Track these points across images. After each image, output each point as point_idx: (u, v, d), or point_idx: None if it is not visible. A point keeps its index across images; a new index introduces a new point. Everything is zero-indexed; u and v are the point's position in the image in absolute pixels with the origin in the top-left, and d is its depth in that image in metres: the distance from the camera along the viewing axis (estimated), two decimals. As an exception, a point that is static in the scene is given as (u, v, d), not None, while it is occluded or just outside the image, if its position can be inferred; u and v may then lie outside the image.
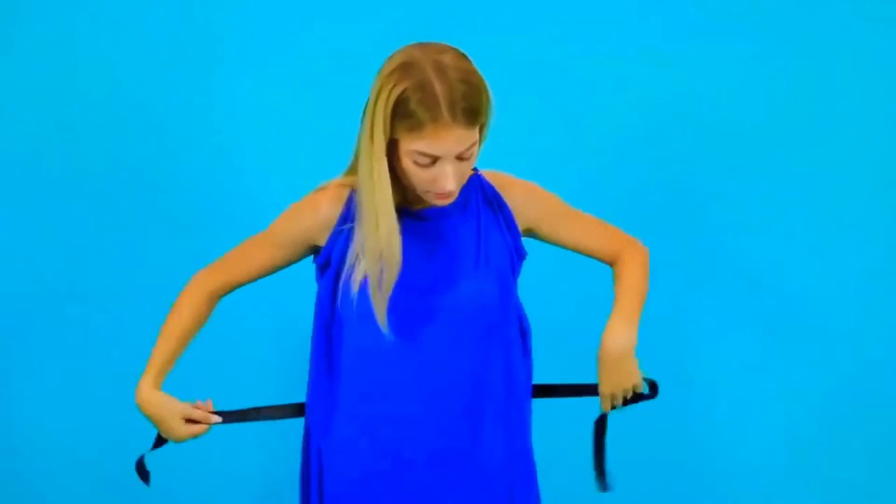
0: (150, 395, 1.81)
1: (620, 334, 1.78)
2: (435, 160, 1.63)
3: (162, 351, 1.84)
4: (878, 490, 2.61)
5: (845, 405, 2.59)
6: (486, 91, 1.64)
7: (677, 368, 2.59)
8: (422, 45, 1.65)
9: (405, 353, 1.75)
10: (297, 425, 1.97)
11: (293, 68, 2.62)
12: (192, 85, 2.65)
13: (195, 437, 1.84)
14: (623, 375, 1.79)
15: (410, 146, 1.62)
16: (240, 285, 1.89)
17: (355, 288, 1.73)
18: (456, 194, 1.69)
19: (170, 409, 1.81)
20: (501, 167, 1.87)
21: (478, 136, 1.65)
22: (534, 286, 2.14)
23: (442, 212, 1.77)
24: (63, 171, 2.70)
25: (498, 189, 1.80)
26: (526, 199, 1.83)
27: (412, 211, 1.77)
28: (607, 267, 1.91)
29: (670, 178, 2.59)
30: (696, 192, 2.58)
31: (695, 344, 2.62)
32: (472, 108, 1.60)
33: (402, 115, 1.61)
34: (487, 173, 1.83)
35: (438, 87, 1.58)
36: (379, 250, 1.68)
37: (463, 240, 1.78)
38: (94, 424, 2.74)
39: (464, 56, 1.65)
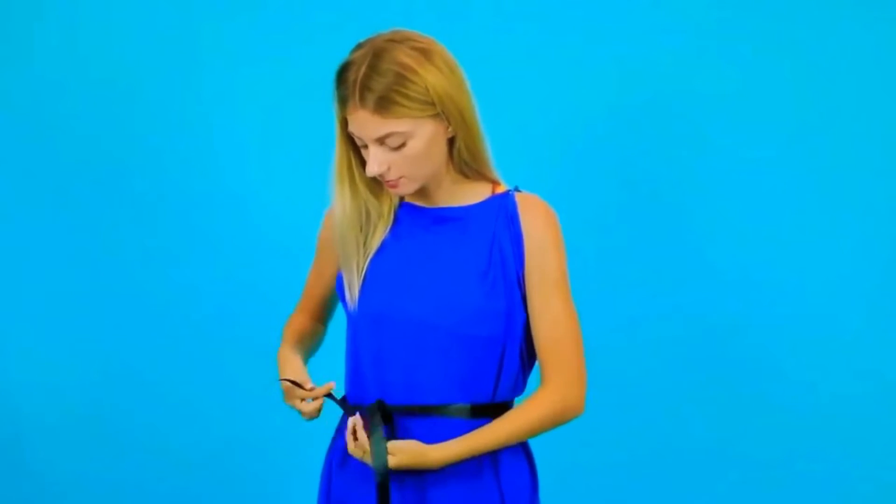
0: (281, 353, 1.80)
1: (439, 458, 1.68)
2: (365, 143, 1.66)
3: (283, 344, 1.85)
4: None
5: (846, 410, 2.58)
6: (416, 86, 1.63)
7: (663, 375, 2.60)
8: (397, 32, 1.69)
9: (385, 346, 1.74)
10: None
11: (282, 70, 2.65)
12: (181, 86, 2.70)
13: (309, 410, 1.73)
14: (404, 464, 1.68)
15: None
16: (326, 306, 1.93)
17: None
18: (403, 186, 1.70)
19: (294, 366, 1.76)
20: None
21: (403, 127, 1.64)
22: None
23: (450, 215, 1.76)
24: (50, 171, 2.75)
25: (518, 207, 1.75)
26: (537, 229, 1.73)
27: (420, 207, 1.78)
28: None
29: (660, 180, 2.58)
30: (684, 194, 2.58)
31: (687, 347, 2.61)
32: (379, 96, 1.61)
33: (336, 86, 1.68)
34: (520, 194, 1.78)
35: (362, 69, 1.63)
36: (337, 223, 1.76)
37: (472, 249, 1.74)
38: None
39: (420, 50, 1.65)
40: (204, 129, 2.71)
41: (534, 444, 1.84)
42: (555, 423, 1.74)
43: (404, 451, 1.67)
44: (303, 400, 1.72)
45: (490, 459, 1.74)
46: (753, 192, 2.55)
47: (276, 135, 2.68)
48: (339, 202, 1.75)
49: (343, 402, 1.79)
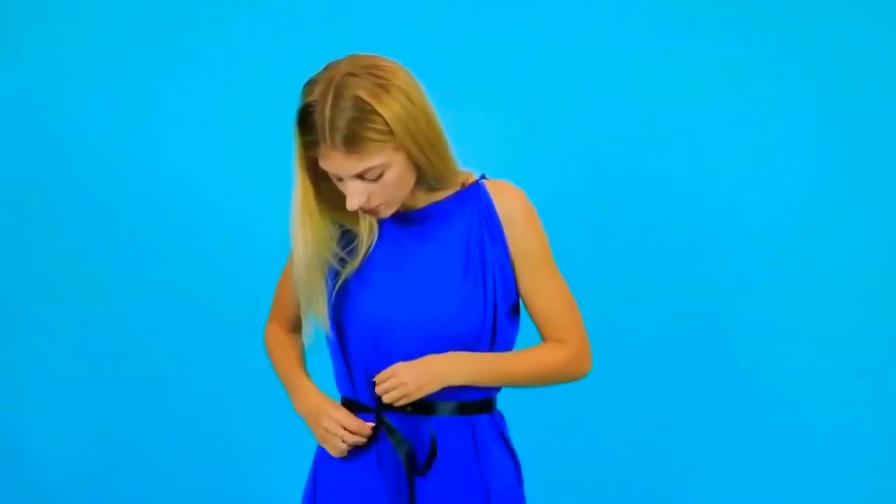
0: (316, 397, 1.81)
1: (461, 367, 1.72)
2: (341, 177, 1.67)
3: (288, 367, 1.87)
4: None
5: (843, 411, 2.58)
6: (381, 119, 1.62)
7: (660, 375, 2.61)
8: (345, 60, 1.66)
9: (367, 351, 1.76)
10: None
11: (279, 70, 2.67)
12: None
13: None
14: (415, 378, 1.70)
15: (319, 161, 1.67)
16: (297, 316, 1.90)
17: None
18: (384, 211, 1.71)
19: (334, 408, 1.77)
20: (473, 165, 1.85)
21: (379, 160, 1.64)
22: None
23: (424, 214, 1.77)
24: (48, 170, 2.79)
25: (491, 195, 1.77)
26: (515, 213, 1.76)
27: (396, 211, 1.77)
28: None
29: (657, 179, 2.59)
30: (683, 195, 2.58)
31: (691, 347, 2.61)
32: (352, 137, 1.61)
33: (302, 131, 1.66)
34: (490, 181, 1.80)
35: (327, 111, 1.61)
36: (299, 266, 1.74)
37: (450, 245, 1.76)
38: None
39: (380, 85, 1.63)
40: (199, 128, 2.74)
41: (518, 441, 1.87)
42: (563, 376, 1.81)
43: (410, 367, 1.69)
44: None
45: (474, 454, 1.76)
46: (753, 192, 2.57)
47: (273, 133, 2.69)
48: (301, 242, 1.73)
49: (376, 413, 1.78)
